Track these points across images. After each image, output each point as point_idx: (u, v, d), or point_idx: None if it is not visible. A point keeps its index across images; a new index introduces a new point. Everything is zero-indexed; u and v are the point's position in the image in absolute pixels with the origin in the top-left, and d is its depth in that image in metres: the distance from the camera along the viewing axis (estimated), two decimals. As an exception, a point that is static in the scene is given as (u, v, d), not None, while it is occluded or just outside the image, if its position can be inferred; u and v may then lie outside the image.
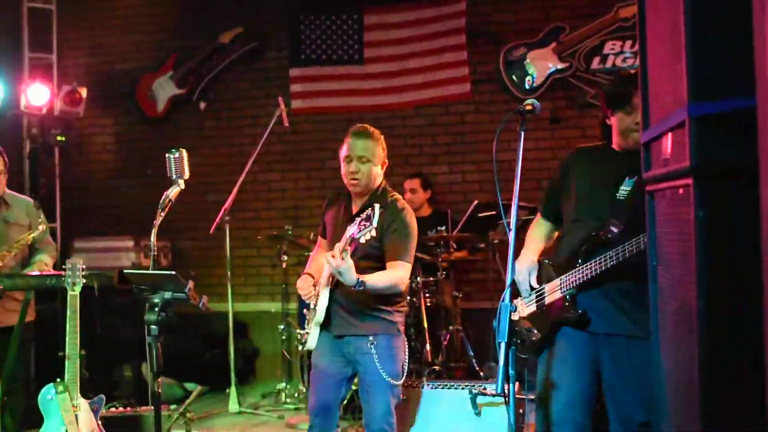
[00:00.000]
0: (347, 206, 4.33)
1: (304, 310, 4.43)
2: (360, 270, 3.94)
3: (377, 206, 3.78)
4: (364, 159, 4.21)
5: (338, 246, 3.83)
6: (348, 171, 4.23)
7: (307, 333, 4.36)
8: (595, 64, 7.53)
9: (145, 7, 8.67)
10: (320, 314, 4.17)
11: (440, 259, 6.64)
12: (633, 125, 3.56)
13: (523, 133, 3.30)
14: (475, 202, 7.07)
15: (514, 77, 7.72)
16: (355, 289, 3.88)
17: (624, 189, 3.56)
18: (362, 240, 3.75)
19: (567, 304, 3.61)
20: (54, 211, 8.32)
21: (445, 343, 6.54)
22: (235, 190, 6.69)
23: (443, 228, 6.73)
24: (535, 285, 3.83)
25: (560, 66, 7.61)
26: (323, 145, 8.12)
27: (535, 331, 3.78)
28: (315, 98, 8.23)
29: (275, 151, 8.20)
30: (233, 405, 6.57)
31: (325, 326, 4.26)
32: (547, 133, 7.72)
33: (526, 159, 7.63)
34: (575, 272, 3.55)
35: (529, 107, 3.33)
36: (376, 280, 3.99)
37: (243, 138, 8.23)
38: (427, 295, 6.59)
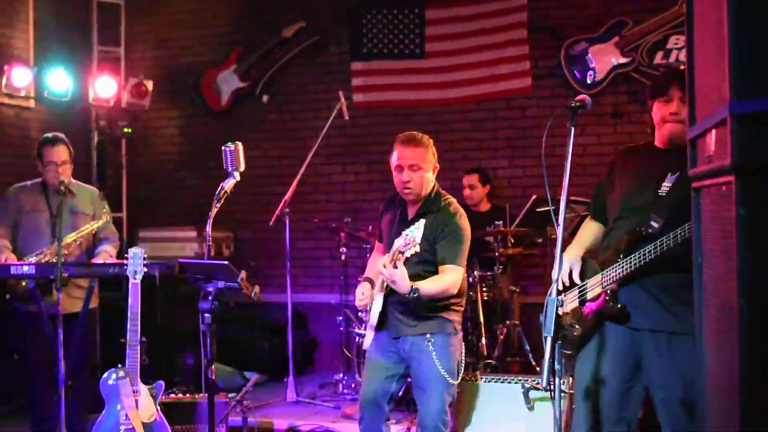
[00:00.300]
0: (403, 212, 4.39)
1: (360, 313, 4.51)
2: (416, 274, 4.00)
3: (421, 222, 3.84)
4: (415, 167, 4.26)
5: (388, 255, 3.90)
6: (400, 180, 4.29)
7: (364, 331, 4.46)
8: (658, 58, 7.45)
9: (210, 1, 8.83)
10: (373, 319, 4.27)
11: (498, 254, 6.66)
12: (668, 115, 3.56)
13: (573, 128, 3.31)
14: (534, 197, 7.05)
15: (575, 72, 7.68)
16: (409, 296, 3.94)
17: (665, 185, 3.56)
18: (407, 254, 3.81)
19: (608, 298, 3.61)
20: (120, 201, 8.53)
21: (502, 337, 6.56)
22: (295, 183, 6.79)
23: (501, 222, 6.74)
24: (577, 281, 3.84)
25: (622, 61, 7.54)
26: (383, 139, 8.12)
27: (577, 327, 3.79)
28: (376, 92, 8.28)
29: (336, 144, 8.29)
30: (291, 394, 6.68)
31: (381, 327, 4.33)
32: (609, 128, 7.67)
33: (588, 154, 7.62)
34: (616, 267, 3.56)
35: (579, 102, 3.35)
36: (429, 286, 4.05)
37: (304, 131, 8.31)
38: (484, 289, 6.62)
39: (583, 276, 3.82)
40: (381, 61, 8.27)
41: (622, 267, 3.53)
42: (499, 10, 7.95)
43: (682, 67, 3.51)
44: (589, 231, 4.01)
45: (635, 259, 3.47)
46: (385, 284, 4.19)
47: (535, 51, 7.90)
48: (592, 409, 3.65)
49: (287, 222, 6.83)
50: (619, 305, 3.57)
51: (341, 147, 8.36)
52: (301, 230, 8.05)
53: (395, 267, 3.85)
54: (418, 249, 3.84)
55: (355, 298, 4.50)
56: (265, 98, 8.62)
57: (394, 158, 4.35)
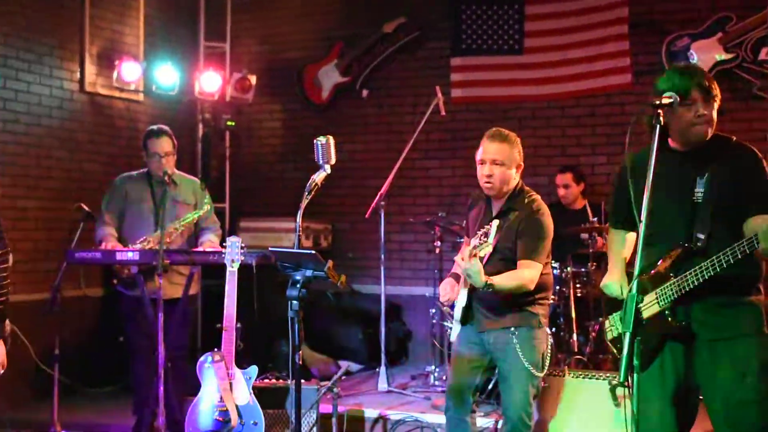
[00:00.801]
0: (487, 208, 4.46)
1: (444, 308, 4.60)
2: (496, 271, 4.06)
3: (495, 222, 3.89)
4: (498, 162, 4.32)
5: (467, 250, 3.96)
6: (482, 174, 4.35)
7: (451, 326, 4.56)
8: (763, 54, 7.28)
9: (314, -2, 9.02)
10: (457, 313, 4.37)
11: (591, 250, 6.63)
12: (695, 118, 3.47)
13: (657, 126, 3.29)
14: (630, 193, 6.99)
15: (677, 68, 7.56)
16: (483, 290, 4.00)
17: (698, 191, 3.45)
18: (482, 254, 3.88)
19: (668, 317, 3.47)
20: (224, 191, 8.78)
21: (594, 334, 6.54)
22: (391, 176, 6.88)
23: (596, 219, 6.72)
24: None
25: (725, 57, 7.40)
26: (481, 135, 8.14)
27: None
28: (474, 87, 8.32)
29: (434, 139, 8.37)
30: (382, 384, 6.78)
31: (466, 322, 4.41)
32: (711, 126, 7.53)
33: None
34: (671, 285, 3.42)
35: (666, 100, 3.33)
36: (504, 281, 4.10)
37: (403, 125, 8.39)
38: (577, 285, 6.61)
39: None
40: (480, 57, 8.30)
41: (678, 285, 3.39)
42: (600, 5, 7.89)
43: (692, 64, 3.46)
44: (617, 242, 3.89)
45: (692, 277, 3.35)
46: (468, 280, 4.26)
47: (636, 47, 7.82)
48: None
49: (382, 215, 6.93)
50: (683, 322, 3.47)
51: (438, 142, 8.44)
52: (397, 223, 8.15)
53: (472, 262, 3.92)
54: (490, 249, 3.90)
55: None
56: (364, 93, 8.75)
57: (479, 152, 4.44)
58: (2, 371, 3.35)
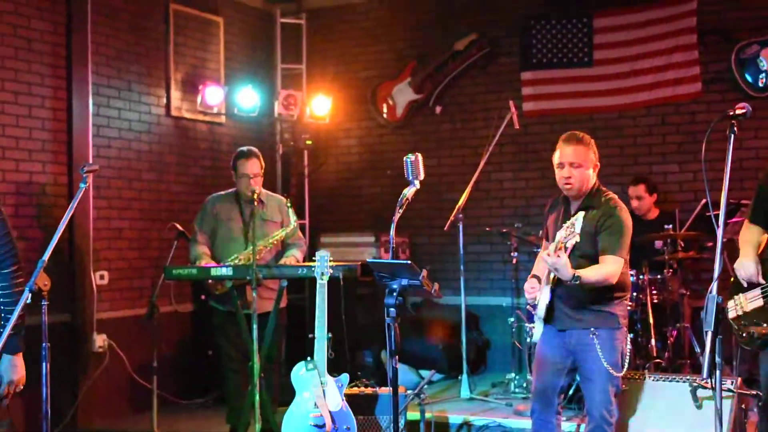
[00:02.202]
0: (566, 209, 4.62)
1: (527, 306, 4.75)
2: (576, 267, 4.22)
3: (581, 214, 4.07)
4: (576, 164, 4.49)
5: (553, 245, 4.14)
6: (561, 177, 4.53)
7: (533, 327, 4.71)
8: (836, 59, 7.34)
9: (386, 19, 9.24)
10: (541, 310, 4.50)
11: (667, 258, 6.75)
12: None
13: (732, 136, 3.45)
14: (704, 201, 7.09)
15: (747, 75, 7.63)
16: (570, 283, 4.17)
17: None
18: (568, 245, 4.05)
19: None
20: (303, 208, 9.05)
21: (672, 339, 6.65)
22: (468, 189, 7.06)
23: (670, 226, 6.83)
24: (761, 281, 3.98)
25: (796, 63, 7.47)
26: (554, 146, 8.32)
27: (764, 325, 3.92)
28: (546, 100, 8.48)
29: (507, 152, 8.55)
30: (464, 391, 6.97)
31: (548, 321, 4.56)
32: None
33: (763, 157, 7.51)
34: None
35: (740, 111, 3.49)
36: (590, 274, 4.26)
37: (476, 140, 8.57)
38: (653, 292, 6.72)
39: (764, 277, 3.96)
40: (550, 71, 8.45)
41: None
42: (668, 16, 7.98)
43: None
44: (751, 235, 4.14)
45: None
46: (551, 277, 4.42)
47: (705, 55, 7.90)
48: None
49: (461, 227, 7.12)
50: None
51: (512, 154, 8.61)
52: (473, 235, 8.33)
53: (558, 256, 4.10)
54: (578, 239, 4.06)
55: (526, 301, 4.77)
56: (438, 109, 8.96)
57: (557, 156, 4.62)
58: (21, 389, 3.59)
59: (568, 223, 4.12)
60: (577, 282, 4.18)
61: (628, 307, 6.53)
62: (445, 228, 6.99)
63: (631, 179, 7.52)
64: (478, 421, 6.17)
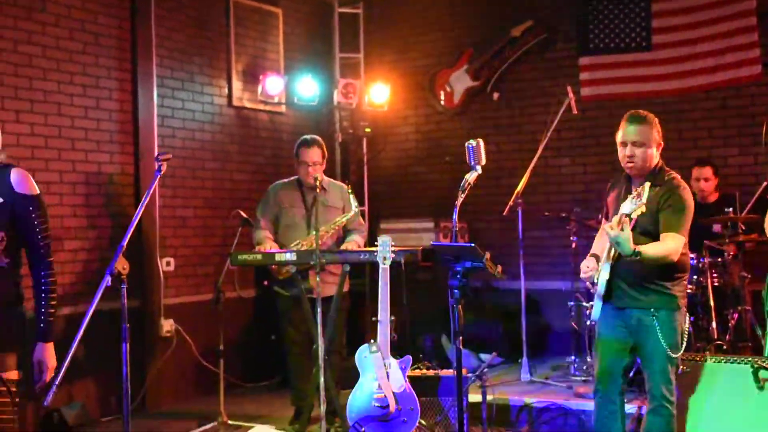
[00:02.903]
0: (627, 187, 4.65)
1: (587, 283, 4.77)
2: (637, 243, 4.26)
3: (647, 184, 4.09)
4: (638, 143, 4.52)
5: (615, 219, 4.18)
6: (624, 155, 4.56)
7: (591, 305, 4.74)
8: None
9: (443, 7, 9.31)
10: (601, 287, 4.50)
11: (728, 241, 6.74)
12: None
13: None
14: (765, 183, 7.06)
15: (809, 57, 7.58)
16: (630, 258, 4.20)
17: None
18: (633, 216, 4.08)
19: None
20: (363, 195, 9.17)
21: (733, 322, 6.64)
22: (527, 175, 7.11)
23: (730, 210, 6.81)
24: None
25: None
26: (612, 131, 8.29)
27: None
28: (603, 85, 8.48)
29: (565, 138, 8.58)
30: (525, 375, 7.04)
31: (608, 299, 4.58)
32: None
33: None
34: None
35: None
36: (651, 250, 4.28)
37: (534, 125, 8.61)
38: (714, 275, 6.71)
39: None
40: (608, 55, 8.45)
41: None
42: (727, -1, 7.96)
43: None
44: None
45: None
46: (611, 253, 4.45)
47: (765, 37, 7.84)
48: None
49: (520, 212, 7.18)
50: None
51: (570, 140, 8.64)
52: (532, 220, 8.36)
53: (622, 229, 4.14)
54: (644, 209, 4.09)
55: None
56: (495, 95, 9.02)
57: (619, 135, 4.63)
58: (52, 375, 3.64)
59: (634, 193, 4.12)
60: (638, 257, 4.20)
61: (689, 290, 6.58)
62: (504, 213, 7.06)
63: (694, 161, 7.49)
64: (539, 404, 6.24)
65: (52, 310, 3.60)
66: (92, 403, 6.89)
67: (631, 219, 4.14)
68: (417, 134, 9.53)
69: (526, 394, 6.48)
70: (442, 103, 9.21)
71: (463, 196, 4.37)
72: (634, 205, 4.08)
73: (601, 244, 4.73)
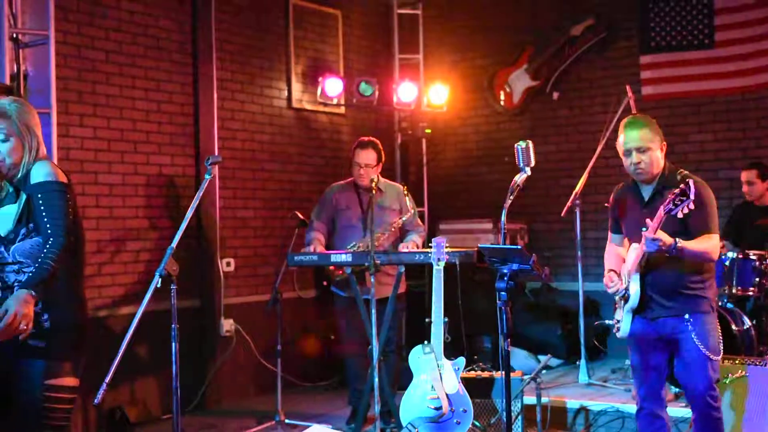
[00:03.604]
0: (637, 195, 4.51)
1: (616, 298, 4.60)
2: (663, 254, 4.16)
3: (691, 181, 3.97)
4: (643, 148, 4.36)
5: (650, 222, 4.07)
6: (630, 163, 4.42)
7: (618, 321, 4.56)
8: None
9: (502, 6, 9.27)
10: (634, 299, 4.36)
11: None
12: None
13: None
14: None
15: None
16: (670, 253, 4.09)
17: None
18: (679, 214, 3.97)
19: None
20: (422, 196, 9.19)
21: (796, 325, 6.51)
22: (585, 175, 7.05)
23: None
24: None
25: None
26: (674, 130, 8.24)
27: None
28: (665, 84, 8.36)
29: (626, 137, 8.46)
30: (583, 377, 6.97)
31: (638, 311, 4.42)
32: None
33: None
34: None
35: None
36: (691, 245, 4.17)
37: (594, 125, 8.51)
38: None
39: None
40: (669, 54, 8.34)
41: None
42: (793, -6, 7.79)
43: None
44: None
45: None
46: (640, 264, 4.34)
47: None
48: None
49: (578, 213, 7.12)
50: None
51: (631, 139, 8.52)
52: (592, 221, 8.30)
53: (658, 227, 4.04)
54: (693, 206, 3.95)
55: None
56: (555, 95, 8.96)
57: (620, 143, 4.46)
58: (23, 329, 3.31)
59: (677, 190, 3.96)
60: (676, 251, 4.10)
61: (750, 293, 6.45)
62: (562, 214, 7.01)
63: (746, 165, 7.35)
64: (595, 406, 6.17)
65: (45, 272, 3.41)
66: (153, 400, 7.01)
67: (670, 213, 4.00)
68: (476, 135, 9.50)
69: (584, 396, 6.42)
70: (502, 103, 9.17)
71: (512, 198, 4.33)
72: (678, 203, 3.96)
73: (614, 260, 4.64)
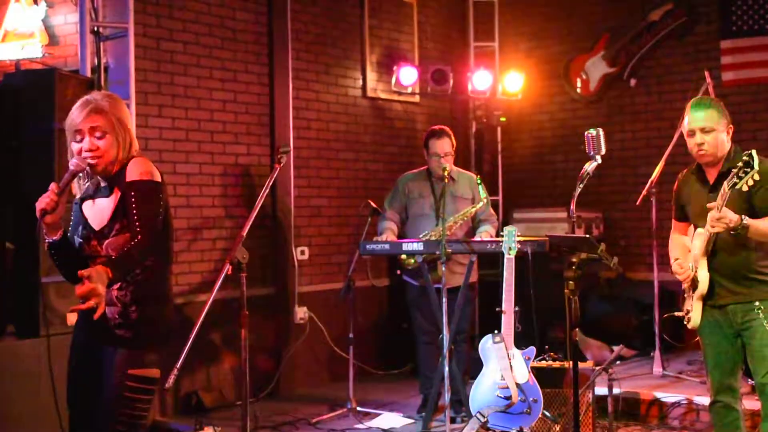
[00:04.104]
0: (702, 179, 4.39)
1: (684, 286, 4.50)
2: (729, 237, 4.06)
3: (753, 151, 3.85)
4: (707, 129, 4.25)
5: (717, 201, 3.97)
6: (693, 144, 4.32)
7: (688, 311, 4.47)
8: None
9: (577, -8, 9.19)
10: (702, 286, 4.27)
11: None
12: None
13: None
14: None
15: None
16: (737, 232, 3.99)
17: None
18: (744, 187, 3.84)
19: None
20: (497, 184, 9.15)
21: None
22: (661, 164, 6.93)
23: None
24: None
25: None
26: (756, 117, 8.08)
27: None
28: (746, 69, 8.17)
29: (706, 124, 8.29)
30: (657, 368, 6.87)
31: (707, 299, 4.33)
32: None
33: None
34: None
35: None
36: (759, 223, 4.06)
37: (672, 112, 8.36)
38: None
39: None
40: (752, 38, 8.13)
41: None
42: None
43: None
44: None
45: None
46: (707, 247, 4.23)
47: None
48: None
49: (654, 202, 7.00)
50: None
51: (711, 126, 8.34)
52: (669, 210, 8.13)
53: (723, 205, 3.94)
54: (757, 177, 3.83)
55: None
56: (632, 82, 8.81)
57: (685, 124, 4.35)
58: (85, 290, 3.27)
59: (740, 162, 3.85)
60: (743, 229, 4.00)
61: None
62: (637, 202, 6.91)
63: None
64: (669, 398, 6.09)
65: (128, 262, 3.43)
66: (228, 386, 7.15)
67: (734, 188, 3.89)
68: (552, 122, 9.41)
69: (657, 388, 6.34)
70: (578, 90, 9.07)
71: (581, 186, 4.31)
72: (741, 176, 3.84)
73: (680, 248, 4.54)
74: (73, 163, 3.56)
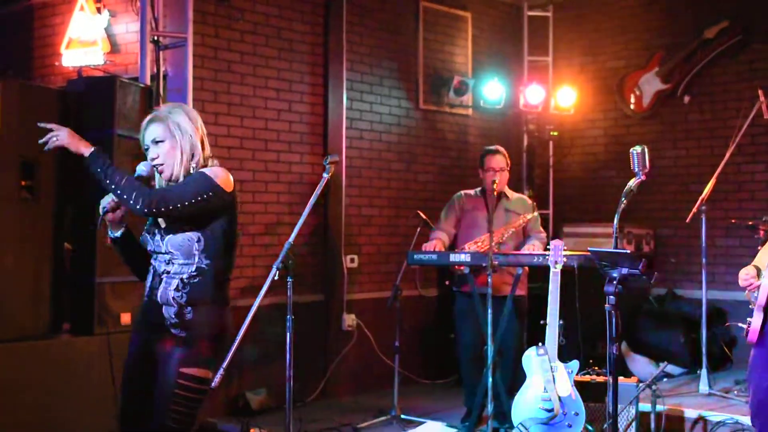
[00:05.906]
0: None
1: (746, 294, 4.50)
2: None
3: None
4: None
5: None
6: None
7: (749, 324, 4.48)
8: None
9: (633, 8, 9.14)
10: (763, 296, 4.30)
11: None
12: None
13: None
14: None
15: None
16: None
17: None
18: None
19: None
20: (547, 199, 9.19)
21: None
22: (712, 181, 6.89)
23: None
24: None
25: None
26: (812, 137, 8.02)
27: None
28: (803, 88, 8.10)
29: (761, 143, 8.24)
30: (704, 387, 6.83)
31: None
32: None
33: None
34: None
35: None
36: None
37: (726, 130, 8.27)
38: None
39: None
40: (809, 55, 8.09)
41: None
42: None
43: None
44: None
45: None
46: None
47: None
48: None
49: (704, 219, 6.98)
50: None
51: (766, 145, 8.29)
52: (722, 228, 8.13)
53: None
54: None
55: None
56: (686, 99, 8.77)
57: None
58: (55, 141, 3.66)
59: None
60: None
61: None
62: (687, 220, 6.89)
63: None
64: (714, 417, 6.06)
65: (112, 175, 3.60)
66: (276, 389, 7.25)
67: None
68: (605, 138, 9.41)
69: (703, 406, 6.30)
70: (632, 106, 9.05)
71: (624, 202, 4.34)
72: None
73: (763, 256, 4.55)
74: (139, 167, 3.78)
